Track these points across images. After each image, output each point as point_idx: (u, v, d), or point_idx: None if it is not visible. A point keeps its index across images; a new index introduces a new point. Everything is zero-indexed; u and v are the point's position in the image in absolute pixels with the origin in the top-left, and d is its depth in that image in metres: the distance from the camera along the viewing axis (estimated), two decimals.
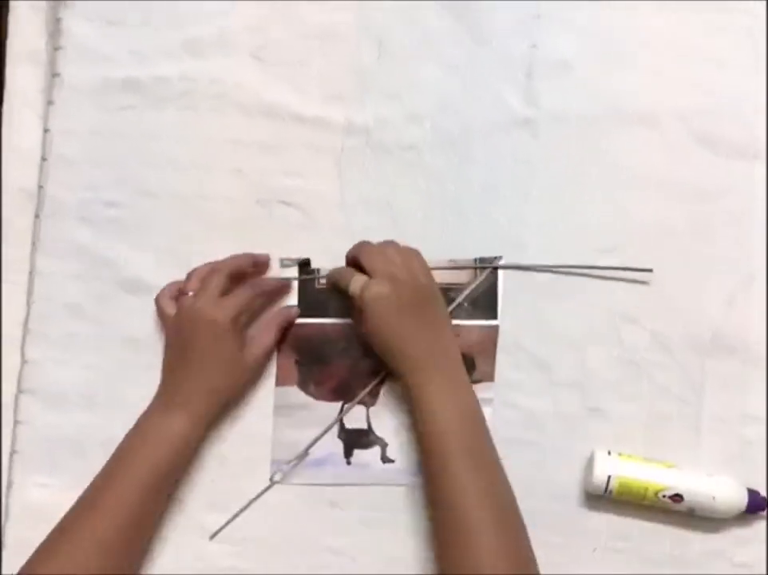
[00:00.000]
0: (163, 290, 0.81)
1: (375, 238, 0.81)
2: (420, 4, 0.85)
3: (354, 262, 0.77)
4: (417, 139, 0.84)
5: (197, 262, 0.82)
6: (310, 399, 0.82)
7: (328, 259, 0.82)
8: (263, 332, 0.80)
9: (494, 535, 0.67)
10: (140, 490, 0.74)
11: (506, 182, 0.83)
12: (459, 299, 0.81)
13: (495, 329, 0.81)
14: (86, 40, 0.87)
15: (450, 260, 0.82)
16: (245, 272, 0.81)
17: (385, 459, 0.81)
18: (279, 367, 0.82)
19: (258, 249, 0.83)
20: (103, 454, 0.79)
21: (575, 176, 0.83)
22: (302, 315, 0.82)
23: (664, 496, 0.75)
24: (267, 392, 0.82)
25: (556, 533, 0.78)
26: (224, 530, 0.80)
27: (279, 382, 0.82)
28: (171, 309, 0.79)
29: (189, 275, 0.80)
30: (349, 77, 0.85)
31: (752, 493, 0.75)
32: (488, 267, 0.82)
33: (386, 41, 0.86)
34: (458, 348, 0.77)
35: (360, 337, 0.79)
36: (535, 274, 0.82)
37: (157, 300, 0.80)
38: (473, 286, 0.82)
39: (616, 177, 0.82)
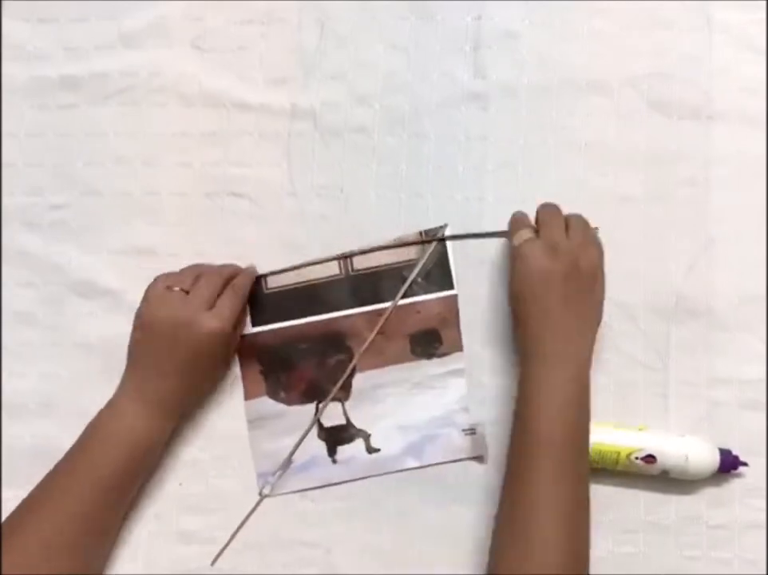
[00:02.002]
0: (156, 282, 0.76)
1: (328, 224, 0.81)
2: None
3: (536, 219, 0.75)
4: (366, 120, 0.83)
5: (149, 261, 0.81)
6: (282, 406, 0.80)
7: (282, 250, 0.81)
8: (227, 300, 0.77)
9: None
10: (96, 488, 0.71)
11: (459, 158, 0.82)
12: (413, 276, 0.80)
13: (454, 298, 0.80)
14: (20, 39, 0.85)
15: (396, 239, 0.81)
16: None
17: (370, 449, 0.79)
18: (245, 381, 0.81)
19: (210, 243, 0.82)
20: None
21: (529, 148, 0.82)
22: (256, 324, 0.81)
23: (637, 458, 0.74)
24: (234, 392, 0.81)
25: None
26: (198, 531, 0.78)
27: (248, 395, 0.80)
28: (160, 304, 0.75)
29: (182, 272, 0.77)
30: (292, 61, 0.84)
31: (724, 453, 0.75)
32: (431, 241, 0.80)
33: (328, 21, 0.84)
34: (592, 352, 0.72)
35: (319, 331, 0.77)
36: (492, 249, 0.80)
37: (149, 290, 0.76)
38: (423, 260, 0.81)
39: (570, 146, 0.81)
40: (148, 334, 0.75)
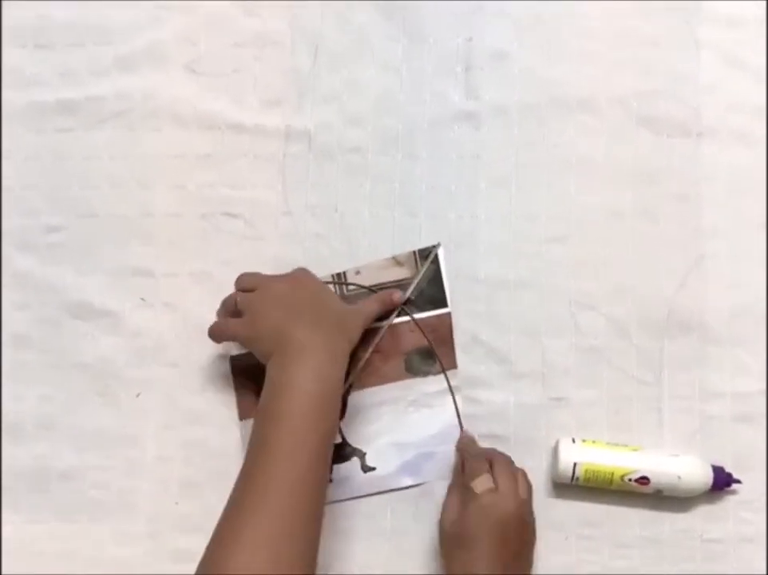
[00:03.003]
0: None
1: (323, 243, 0.82)
2: (353, 5, 0.85)
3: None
4: (360, 141, 0.84)
5: (145, 282, 0.82)
6: None
7: (277, 270, 0.81)
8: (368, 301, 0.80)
9: None
10: (311, 458, 0.68)
11: (452, 177, 0.83)
12: (407, 295, 0.81)
13: (448, 316, 0.81)
14: (15, 65, 0.86)
15: (391, 258, 0.82)
16: None
17: (365, 468, 0.80)
18: (239, 401, 0.81)
19: (205, 263, 0.83)
20: (64, 485, 0.80)
21: (520, 166, 0.83)
22: None
23: (630, 479, 0.75)
24: (227, 409, 0.81)
25: None
26: (194, 550, 0.78)
27: (242, 415, 0.81)
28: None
29: None
30: (286, 83, 0.85)
31: (717, 470, 0.75)
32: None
33: (322, 44, 0.85)
34: None
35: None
36: (485, 266, 0.81)
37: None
38: (417, 278, 0.81)
39: (561, 164, 0.82)
40: (302, 288, 0.76)
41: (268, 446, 0.68)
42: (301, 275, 0.78)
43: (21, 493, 0.80)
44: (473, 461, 0.75)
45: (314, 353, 0.71)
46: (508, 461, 0.75)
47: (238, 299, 0.76)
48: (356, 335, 0.76)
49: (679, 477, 0.74)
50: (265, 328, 0.73)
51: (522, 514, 0.72)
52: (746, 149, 0.81)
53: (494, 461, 0.74)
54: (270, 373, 0.71)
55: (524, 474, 0.75)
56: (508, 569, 0.70)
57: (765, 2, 0.83)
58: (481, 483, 0.72)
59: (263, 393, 0.71)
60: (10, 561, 0.78)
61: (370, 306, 0.79)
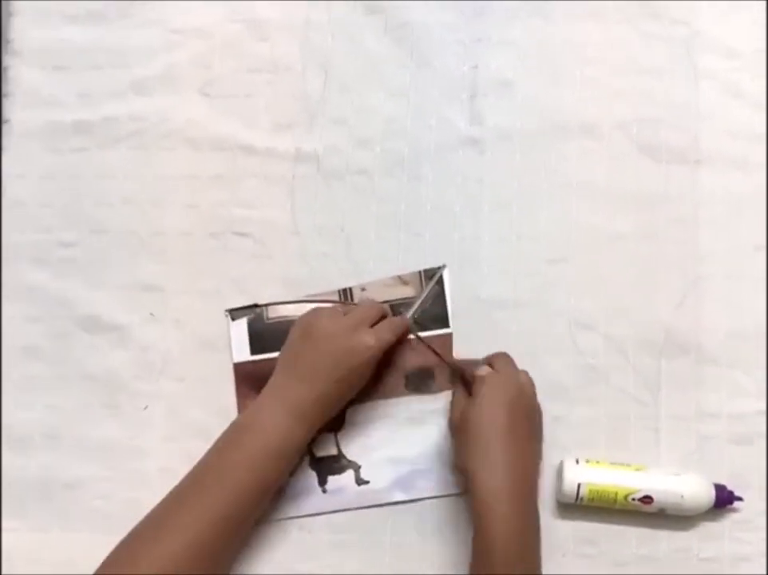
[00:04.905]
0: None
1: (330, 263, 0.84)
2: (363, 31, 0.88)
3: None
4: (367, 163, 0.86)
5: (154, 297, 0.84)
6: None
7: (285, 288, 0.83)
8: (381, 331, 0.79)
9: None
10: (234, 488, 0.71)
11: (456, 200, 0.85)
12: (411, 312, 0.82)
13: (449, 337, 0.82)
14: (34, 86, 0.89)
15: (397, 277, 0.84)
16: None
17: (359, 481, 0.80)
18: (240, 408, 0.82)
19: (214, 280, 0.84)
20: (69, 495, 0.81)
21: (523, 190, 0.84)
22: (255, 352, 0.83)
23: (634, 499, 0.75)
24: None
25: None
26: None
27: None
28: (326, 315, 0.78)
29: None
30: (296, 107, 0.87)
31: (719, 488, 0.76)
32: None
33: (331, 69, 0.88)
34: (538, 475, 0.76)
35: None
36: (487, 286, 0.83)
37: (315, 309, 0.80)
38: (421, 297, 0.83)
39: (563, 188, 0.84)
40: (307, 340, 0.77)
41: (208, 471, 0.73)
42: (309, 324, 0.78)
43: (25, 501, 0.81)
44: (472, 364, 0.77)
45: (275, 409, 0.74)
46: (509, 357, 0.78)
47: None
48: (357, 382, 0.77)
49: (683, 496, 0.75)
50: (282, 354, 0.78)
51: (528, 394, 0.75)
52: (743, 175, 0.83)
53: (493, 359, 0.77)
54: (273, 385, 0.76)
55: (526, 371, 0.77)
56: (524, 451, 0.72)
57: (764, 34, 0.85)
58: (484, 370, 0.75)
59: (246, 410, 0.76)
60: (13, 569, 0.79)
61: (384, 336, 0.78)
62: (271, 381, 0.77)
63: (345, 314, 0.78)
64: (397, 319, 0.81)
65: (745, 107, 0.84)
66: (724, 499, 0.76)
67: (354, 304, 0.83)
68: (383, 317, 0.80)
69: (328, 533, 0.79)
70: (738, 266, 0.81)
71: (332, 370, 0.75)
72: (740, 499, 0.76)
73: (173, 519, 0.70)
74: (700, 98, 0.84)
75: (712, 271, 0.81)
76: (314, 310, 0.79)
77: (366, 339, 0.75)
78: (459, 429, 0.74)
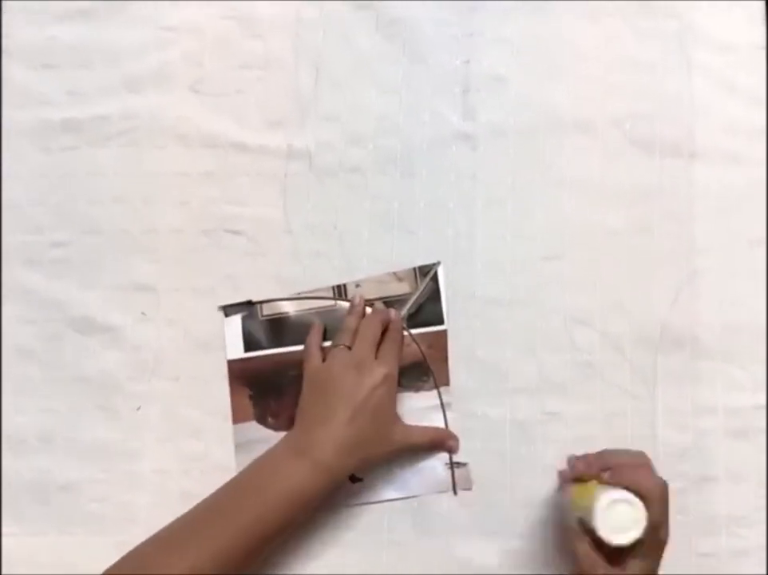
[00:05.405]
0: (313, 337, 0.80)
1: (323, 260, 0.83)
2: (355, 28, 0.87)
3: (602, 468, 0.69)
4: (360, 160, 0.85)
5: (147, 297, 0.83)
6: (270, 432, 0.81)
7: (278, 285, 0.83)
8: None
9: None
10: (241, 534, 0.69)
11: (450, 196, 0.84)
12: (405, 310, 0.82)
13: (444, 333, 0.82)
14: (24, 84, 0.88)
15: (392, 273, 0.83)
16: None
17: (353, 479, 0.80)
18: (233, 405, 0.82)
19: (207, 279, 0.84)
20: (65, 498, 0.80)
21: (517, 186, 0.84)
22: (248, 349, 0.82)
23: None
24: (227, 423, 0.82)
25: (518, 537, 0.79)
26: None
27: (236, 419, 0.82)
28: (328, 358, 0.77)
29: (341, 332, 0.79)
30: (288, 104, 0.86)
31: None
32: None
33: (323, 66, 0.87)
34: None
35: None
36: (482, 283, 0.83)
37: (311, 347, 0.79)
38: (416, 294, 0.83)
39: (557, 184, 0.84)
40: (315, 387, 0.76)
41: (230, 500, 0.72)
42: (315, 373, 0.77)
43: (21, 505, 0.81)
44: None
45: (289, 460, 0.73)
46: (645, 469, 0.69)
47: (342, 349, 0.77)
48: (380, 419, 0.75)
49: None
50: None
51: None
52: (738, 169, 0.83)
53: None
54: (289, 434, 0.76)
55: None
56: None
57: (764, 27, 0.85)
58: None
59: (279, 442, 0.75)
60: (10, 573, 0.79)
61: (420, 439, 0.78)
62: (288, 433, 0.76)
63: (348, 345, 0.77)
64: (391, 334, 0.79)
65: (739, 101, 0.84)
66: None
67: (348, 300, 0.82)
68: (384, 321, 0.79)
69: (324, 531, 0.79)
70: (733, 260, 0.81)
71: (353, 410, 0.73)
72: None
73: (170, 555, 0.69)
74: (694, 93, 0.84)
75: (707, 265, 0.81)
76: (309, 351, 0.79)
77: (378, 369, 0.75)
78: None
